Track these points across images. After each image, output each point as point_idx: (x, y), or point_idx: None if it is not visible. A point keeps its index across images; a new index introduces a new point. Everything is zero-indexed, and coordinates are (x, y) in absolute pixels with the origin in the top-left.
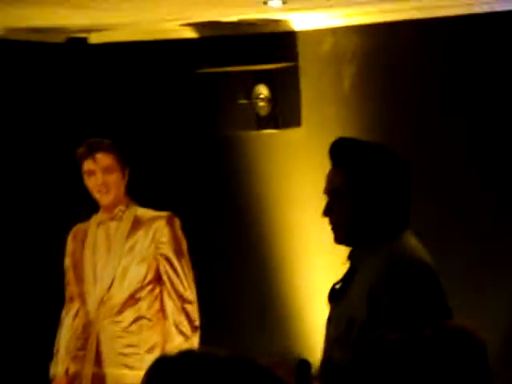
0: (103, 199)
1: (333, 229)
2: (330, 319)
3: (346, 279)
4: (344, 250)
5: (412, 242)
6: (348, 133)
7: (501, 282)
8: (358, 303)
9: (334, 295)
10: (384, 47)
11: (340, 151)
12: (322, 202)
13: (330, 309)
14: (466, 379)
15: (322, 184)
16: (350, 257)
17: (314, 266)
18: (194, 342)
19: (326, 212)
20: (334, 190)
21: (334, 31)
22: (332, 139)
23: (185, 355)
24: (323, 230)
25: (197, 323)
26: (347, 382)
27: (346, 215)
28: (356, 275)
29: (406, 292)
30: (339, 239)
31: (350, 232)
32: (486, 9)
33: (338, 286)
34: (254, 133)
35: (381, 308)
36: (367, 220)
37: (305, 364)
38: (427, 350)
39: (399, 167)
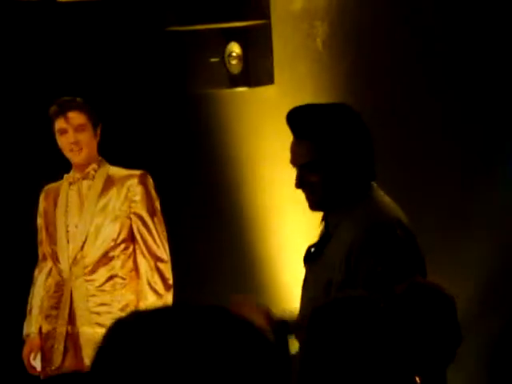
0: (75, 158)
1: (307, 199)
2: (305, 281)
3: (322, 242)
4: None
5: (383, 198)
6: (320, 90)
7: (470, 239)
8: (336, 265)
9: (310, 258)
10: (356, 4)
11: (302, 122)
12: None
13: (305, 271)
14: (435, 333)
15: None
16: (324, 220)
17: (286, 223)
18: (168, 300)
19: (300, 185)
20: (304, 164)
21: None
22: (304, 97)
23: (140, 315)
24: (294, 187)
25: (170, 282)
26: (308, 336)
27: (319, 186)
28: (332, 238)
29: (385, 252)
30: (315, 207)
31: (325, 200)
32: None
33: (313, 249)
34: (227, 91)
35: (360, 268)
36: (340, 186)
37: (282, 325)
38: (397, 305)
39: (361, 125)
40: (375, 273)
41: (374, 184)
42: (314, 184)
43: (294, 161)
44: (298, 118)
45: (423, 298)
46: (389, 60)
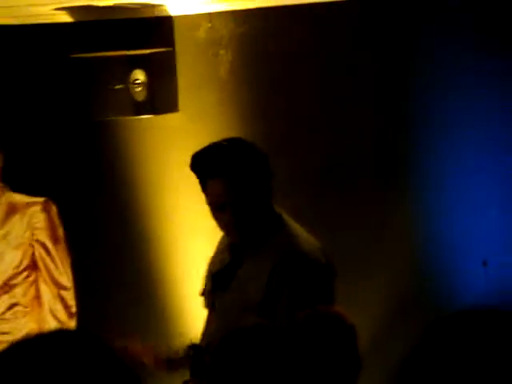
0: None
1: (225, 233)
2: (214, 308)
3: (230, 269)
4: (218, 234)
5: (295, 225)
6: (225, 118)
7: (378, 262)
8: (253, 290)
9: (220, 285)
10: (259, 32)
11: (214, 161)
12: (198, 186)
13: (213, 298)
14: (333, 360)
15: None
16: (233, 249)
17: (190, 250)
18: (70, 328)
19: (222, 225)
20: (222, 204)
21: (210, 16)
22: (209, 124)
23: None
24: (198, 214)
25: (73, 309)
26: (214, 363)
27: (233, 223)
28: (243, 264)
29: (301, 283)
30: (235, 240)
31: (242, 234)
32: None
33: (219, 277)
34: (131, 118)
35: (280, 296)
36: (254, 220)
37: (196, 348)
38: (298, 332)
39: (260, 155)
40: (293, 300)
41: (282, 210)
42: (229, 221)
43: (211, 201)
44: (205, 158)
45: (322, 326)
46: (291, 85)
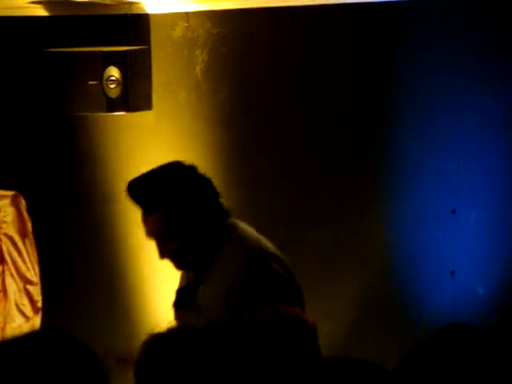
0: None
1: (172, 263)
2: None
3: (192, 286)
4: None
5: (247, 232)
6: (198, 118)
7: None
8: (213, 308)
9: (180, 303)
10: (236, 33)
11: (146, 197)
12: None
13: (175, 316)
14: (294, 362)
15: None
16: (191, 268)
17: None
18: (36, 322)
19: (162, 256)
20: (159, 236)
21: (187, 16)
22: (182, 124)
23: None
24: None
25: (39, 304)
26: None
27: (179, 250)
28: (203, 282)
29: (265, 287)
30: (182, 268)
31: (189, 259)
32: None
33: (181, 294)
34: (104, 114)
35: (243, 307)
36: (199, 243)
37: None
38: (260, 334)
39: (199, 178)
40: (259, 309)
41: (233, 219)
42: (174, 250)
43: (150, 234)
44: (141, 194)
45: (284, 328)
46: (268, 87)
